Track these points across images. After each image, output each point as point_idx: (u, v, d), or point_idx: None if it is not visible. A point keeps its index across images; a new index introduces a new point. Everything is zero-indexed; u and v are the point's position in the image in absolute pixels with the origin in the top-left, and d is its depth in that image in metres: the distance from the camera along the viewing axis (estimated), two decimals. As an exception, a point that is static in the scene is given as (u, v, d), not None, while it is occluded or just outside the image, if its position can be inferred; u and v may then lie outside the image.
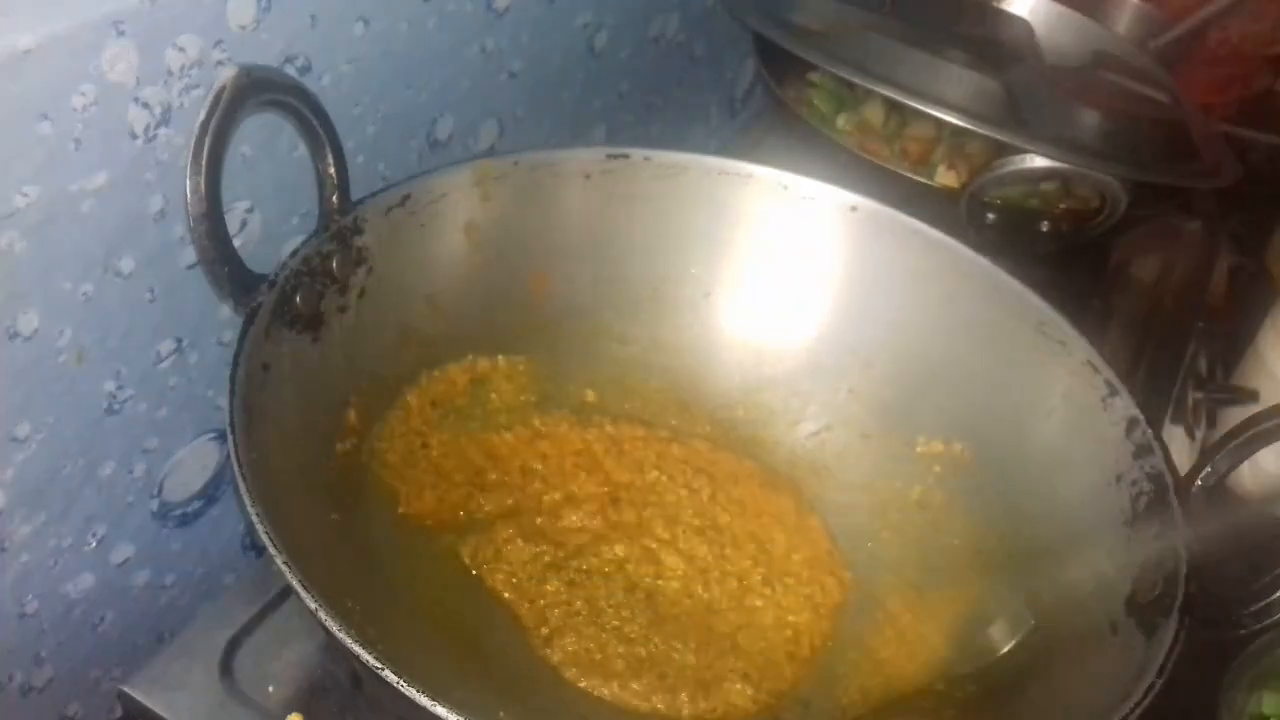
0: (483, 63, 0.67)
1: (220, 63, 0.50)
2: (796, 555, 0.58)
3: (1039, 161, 0.67)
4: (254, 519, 0.41)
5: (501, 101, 0.70)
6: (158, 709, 0.52)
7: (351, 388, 0.54)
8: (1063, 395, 0.56)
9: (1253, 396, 0.72)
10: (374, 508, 0.54)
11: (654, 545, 0.57)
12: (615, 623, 0.54)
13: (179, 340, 0.55)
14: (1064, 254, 0.75)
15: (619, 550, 0.57)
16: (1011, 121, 0.69)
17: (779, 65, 0.79)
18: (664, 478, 0.60)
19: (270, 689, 0.53)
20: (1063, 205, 0.75)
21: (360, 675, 0.39)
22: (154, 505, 0.59)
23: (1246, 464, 0.50)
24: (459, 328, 0.60)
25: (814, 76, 0.82)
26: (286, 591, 0.40)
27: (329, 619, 0.39)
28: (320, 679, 0.54)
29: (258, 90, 0.47)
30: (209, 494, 0.62)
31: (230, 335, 0.57)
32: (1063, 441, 0.56)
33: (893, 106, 0.76)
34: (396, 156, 0.63)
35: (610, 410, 0.63)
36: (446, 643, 0.51)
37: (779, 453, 0.63)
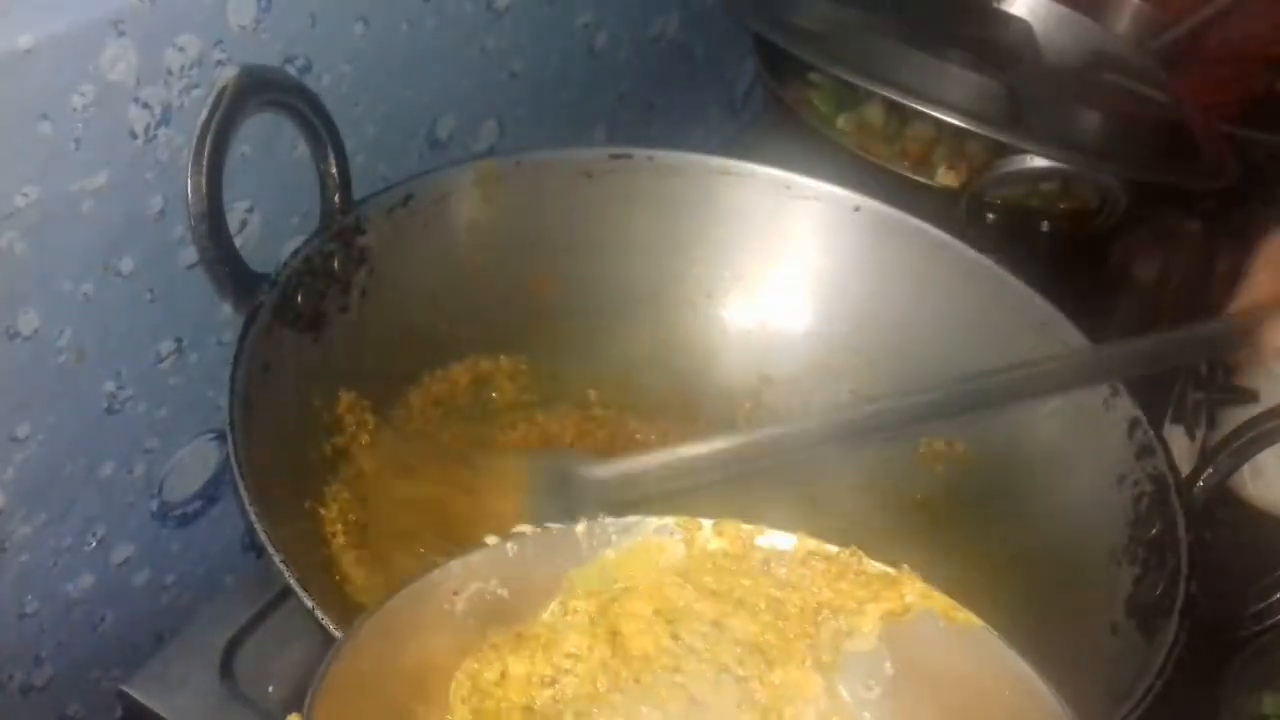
0: (483, 63, 0.67)
1: (220, 63, 0.49)
2: None
3: (1039, 161, 0.67)
4: (254, 519, 0.41)
5: (501, 101, 0.70)
6: (158, 709, 0.52)
7: (353, 387, 0.54)
8: (1065, 395, 0.56)
9: (1253, 397, 0.72)
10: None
11: None
12: None
13: (179, 340, 0.55)
14: (1064, 254, 0.75)
15: None
16: (1011, 121, 0.69)
17: (779, 65, 0.79)
18: None
19: (270, 689, 0.53)
20: (1063, 205, 0.75)
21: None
22: (154, 505, 0.59)
23: (1247, 465, 0.50)
24: (461, 327, 0.60)
25: (814, 76, 0.81)
26: (286, 591, 0.40)
27: (328, 619, 0.39)
28: (320, 679, 0.54)
29: (259, 90, 0.47)
30: (209, 494, 0.62)
31: (230, 335, 0.56)
32: (1065, 442, 0.56)
33: (893, 107, 0.76)
34: (396, 156, 0.63)
35: (612, 409, 0.63)
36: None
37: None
